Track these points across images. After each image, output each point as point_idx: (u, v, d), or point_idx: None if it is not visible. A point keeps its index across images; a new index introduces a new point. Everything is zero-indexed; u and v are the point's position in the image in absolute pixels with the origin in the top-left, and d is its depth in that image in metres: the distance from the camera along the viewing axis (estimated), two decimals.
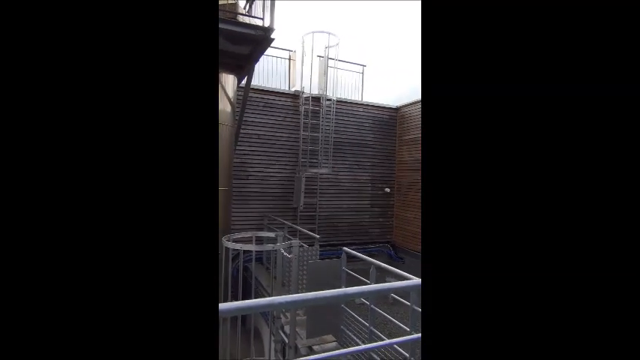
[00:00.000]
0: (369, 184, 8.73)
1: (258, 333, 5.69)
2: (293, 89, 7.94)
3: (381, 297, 4.59)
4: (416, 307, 2.74)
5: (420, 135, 8.20)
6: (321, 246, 5.06)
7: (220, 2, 4.37)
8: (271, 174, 7.63)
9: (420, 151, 8.16)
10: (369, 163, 8.69)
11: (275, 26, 4.15)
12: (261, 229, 6.89)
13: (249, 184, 7.40)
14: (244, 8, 5.11)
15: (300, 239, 4.82)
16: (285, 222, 6.66)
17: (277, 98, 7.68)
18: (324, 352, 3.15)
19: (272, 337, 4.52)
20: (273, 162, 7.65)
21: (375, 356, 3.26)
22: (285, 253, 4.55)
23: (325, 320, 3.78)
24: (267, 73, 7.97)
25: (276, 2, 4.13)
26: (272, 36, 4.20)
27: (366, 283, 3.27)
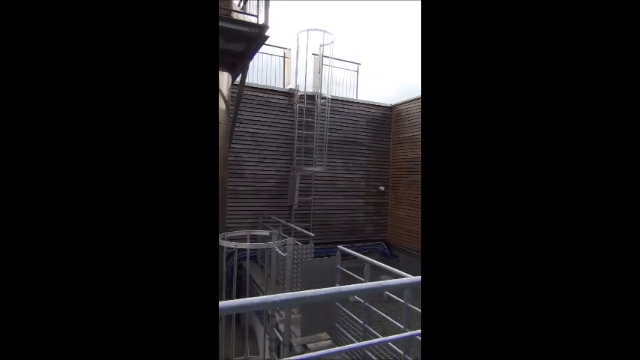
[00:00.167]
0: (364, 183, 8.75)
1: (253, 331, 5.69)
2: (288, 87, 7.92)
3: (375, 295, 4.61)
4: (410, 305, 2.76)
5: (414, 133, 8.24)
6: (315, 244, 5.06)
7: None
8: (266, 172, 7.61)
9: (415, 150, 8.20)
10: (363, 162, 8.71)
11: (269, 24, 4.13)
12: (256, 228, 6.88)
13: (244, 182, 7.38)
14: (238, 5, 5.08)
15: (294, 237, 4.82)
16: (280, 220, 6.65)
17: (272, 96, 7.65)
18: (318, 350, 3.15)
19: (266, 335, 4.52)
20: (268, 160, 7.63)
21: (369, 354, 3.27)
22: (279, 252, 4.55)
23: (320, 318, 3.79)
24: (262, 70, 7.94)
25: (270, 0, 4.12)
26: (266, 33, 4.19)
27: (361, 281, 3.28)
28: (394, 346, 2.95)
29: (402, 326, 2.79)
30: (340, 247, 3.88)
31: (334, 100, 8.15)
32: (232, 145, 6.89)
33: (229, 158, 6.51)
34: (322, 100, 7.85)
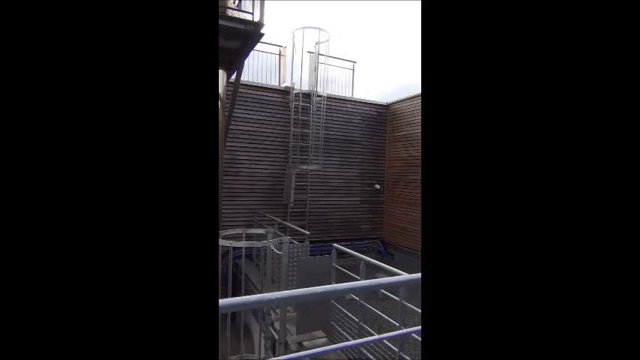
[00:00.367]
0: (359, 181, 8.77)
1: (248, 330, 5.68)
2: (283, 85, 7.90)
3: (370, 293, 4.62)
4: (405, 303, 2.77)
5: (410, 132, 8.26)
6: (311, 242, 5.06)
7: None
8: (261, 170, 7.59)
9: (410, 148, 8.22)
10: (359, 160, 8.72)
11: (265, 21, 4.11)
12: (251, 226, 6.87)
13: (239, 180, 7.36)
14: (234, 2, 5.04)
15: (290, 236, 4.82)
16: (275, 218, 6.64)
17: (267, 94, 7.63)
18: (314, 348, 3.16)
19: (262, 333, 4.52)
20: (263, 158, 7.61)
21: (364, 351, 3.28)
22: (275, 250, 4.54)
23: (315, 316, 3.80)
24: (258, 68, 7.91)
25: None
26: (262, 31, 4.17)
27: (356, 279, 3.29)
28: (389, 344, 2.96)
29: (398, 324, 2.80)
30: (336, 245, 3.88)
31: (330, 98, 8.14)
32: (227, 143, 6.86)
33: (224, 156, 6.49)
34: (318, 98, 7.84)
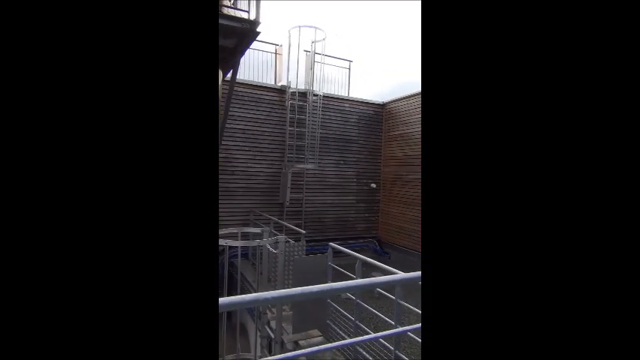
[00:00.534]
0: (355, 180, 8.78)
1: (244, 329, 5.68)
2: (279, 84, 7.88)
3: (366, 292, 4.63)
4: (401, 302, 2.78)
5: (406, 131, 8.28)
6: (307, 241, 5.07)
7: None
8: (257, 169, 7.57)
9: (406, 148, 8.24)
10: (355, 159, 8.73)
11: (261, 20, 4.10)
12: (247, 225, 6.85)
13: (235, 179, 7.33)
14: (229, 1, 5.02)
15: (286, 235, 4.82)
16: (271, 217, 6.63)
17: (263, 93, 7.61)
18: (310, 346, 3.16)
19: (258, 332, 4.52)
20: (259, 157, 7.59)
21: (360, 350, 3.29)
22: (271, 249, 4.54)
23: (311, 315, 3.80)
24: (253, 67, 7.88)
25: None
26: (258, 29, 4.15)
27: (352, 278, 3.29)
28: (385, 342, 2.97)
29: (393, 322, 2.81)
30: (332, 244, 3.88)
31: (326, 97, 8.14)
32: (223, 142, 6.84)
33: (220, 155, 6.46)
34: (314, 97, 7.83)
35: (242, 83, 7.22)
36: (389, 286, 3.09)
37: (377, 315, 3.13)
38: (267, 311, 4.36)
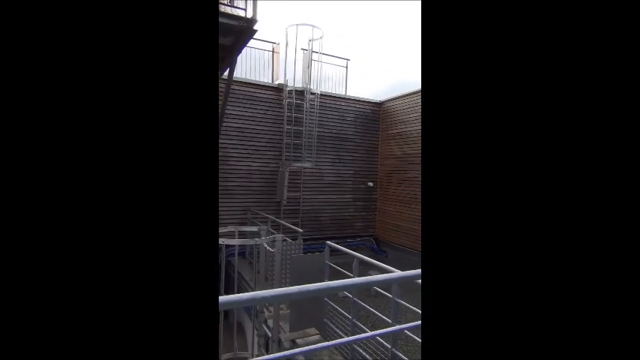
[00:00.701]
0: (352, 178, 8.78)
1: (241, 327, 5.67)
2: (276, 82, 7.86)
3: (363, 290, 4.64)
4: (398, 300, 2.78)
5: (404, 130, 8.29)
6: (304, 240, 5.06)
7: None
8: (254, 168, 7.56)
9: (404, 146, 8.25)
10: (352, 157, 8.73)
11: (258, 18, 4.08)
12: (244, 224, 6.84)
13: (232, 177, 7.32)
14: None
15: (283, 233, 4.81)
16: (269, 216, 6.63)
17: (260, 91, 7.59)
18: (307, 345, 3.16)
19: (255, 331, 4.52)
20: (256, 156, 7.58)
21: (357, 348, 3.30)
22: (268, 248, 4.53)
23: (308, 314, 3.80)
24: (251, 65, 7.86)
25: None
26: (255, 27, 4.13)
27: (349, 277, 3.30)
28: (382, 340, 2.98)
29: (390, 320, 2.82)
30: (329, 242, 3.89)
31: (323, 95, 8.13)
32: (220, 141, 6.82)
33: None
34: (311, 96, 7.82)
35: (239, 81, 7.19)
36: (386, 285, 3.10)
37: (374, 313, 3.14)
38: (265, 310, 4.36)
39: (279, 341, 3.87)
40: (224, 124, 6.60)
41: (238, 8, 4.27)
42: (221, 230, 4.90)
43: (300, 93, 7.77)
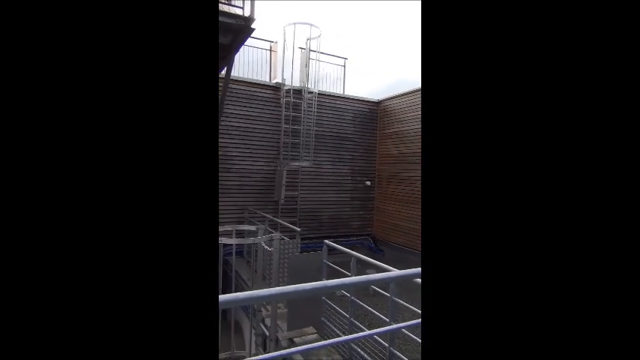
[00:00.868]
0: (350, 177, 8.79)
1: (239, 326, 5.67)
2: (274, 81, 7.85)
3: (361, 289, 4.65)
4: (395, 299, 2.79)
5: (401, 129, 8.30)
6: (302, 239, 5.07)
7: None
8: (252, 167, 7.55)
9: (401, 145, 8.26)
10: (350, 157, 8.74)
11: (255, 16, 4.07)
12: (242, 223, 6.83)
13: (230, 176, 7.31)
14: None
15: (281, 232, 4.81)
16: (266, 215, 6.62)
17: (258, 90, 7.57)
18: (305, 344, 3.16)
19: (253, 330, 4.52)
20: (254, 155, 7.57)
21: (355, 347, 3.30)
22: (266, 247, 4.53)
23: (306, 313, 3.80)
24: (248, 64, 7.84)
25: None
26: (252, 26, 4.12)
27: (347, 276, 3.30)
28: (380, 339, 2.98)
29: (388, 319, 2.82)
30: (327, 241, 3.89)
31: (321, 94, 8.12)
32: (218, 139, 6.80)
33: None
34: (309, 95, 7.81)
35: (237, 80, 7.17)
36: (384, 284, 3.11)
37: (371, 312, 3.14)
38: (262, 309, 4.36)
39: (277, 340, 3.87)
40: (221, 123, 6.58)
41: (236, 7, 4.26)
42: (219, 229, 4.88)
43: (298, 92, 7.76)
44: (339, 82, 8.91)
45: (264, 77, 7.98)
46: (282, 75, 7.67)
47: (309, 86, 7.77)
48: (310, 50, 7.64)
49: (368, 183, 8.95)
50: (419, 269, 1.64)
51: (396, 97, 8.51)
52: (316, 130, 8.00)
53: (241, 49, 5.01)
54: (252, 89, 7.50)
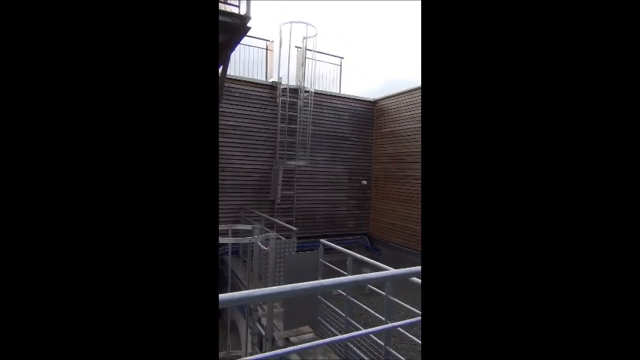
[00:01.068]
0: (346, 177, 8.79)
1: (235, 326, 5.66)
2: (270, 80, 7.83)
3: (357, 288, 4.65)
4: (391, 297, 2.80)
5: (397, 128, 8.31)
6: (298, 238, 5.06)
7: None
8: (248, 166, 7.53)
9: (397, 145, 8.28)
10: (346, 156, 8.74)
11: (251, 15, 4.06)
12: (238, 222, 6.81)
13: (226, 176, 7.28)
14: None
15: (277, 232, 4.80)
16: (262, 214, 6.61)
17: (254, 89, 7.55)
18: (301, 343, 3.16)
19: (249, 329, 4.51)
20: (250, 154, 7.55)
21: (351, 346, 3.31)
22: (262, 246, 4.52)
23: (302, 312, 3.80)
24: (244, 62, 7.82)
25: None
26: (248, 24, 4.11)
27: (343, 275, 3.30)
28: (376, 338, 2.99)
29: (384, 318, 2.83)
30: (323, 240, 3.89)
31: (317, 93, 8.11)
32: None
33: None
34: (305, 94, 7.80)
35: (232, 79, 7.15)
36: (379, 282, 3.11)
37: (367, 311, 3.15)
38: (258, 308, 4.35)
39: (273, 340, 3.87)
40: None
41: (232, 5, 4.24)
42: None
43: (294, 91, 7.75)
44: (335, 81, 8.92)
45: (260, 76, 7.95)
46: (279, 74, 7.66)
47: (306, 85, 7.76)
48: (307, 49, 7.63)
49: (364, 182, 8.96)
50: (415, 268, 1.64)
51: (392, 96, 8.52)
52: (312, 130, 7.99)
53: (237, 48, 4.99)
54: (249, 88, 7.48)
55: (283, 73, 7.61)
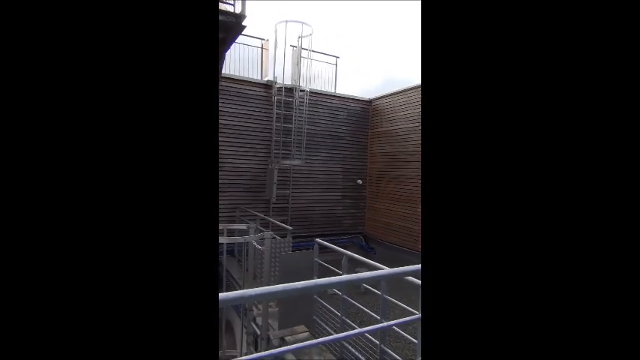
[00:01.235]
0: (342, 176, 8.79)
1: (230, 326, 5.64)
2: (265, 79, 7.81)
3: (352, 287, 4.66)
4: (386, 296, 2.80)
5: (392, 127, 8.33)
6: (293, 238, 5.06)
7: None
8: (243, 165, 7.50)
9: (393, 144, 8.30)
10: (341, 155, 8.74)
11: (246, 13, 4.04)
12: (233, 221, 6.79)
13: (221, 175, 7.24)
14: None
15: (272, 231, 4.79)
16: (258, 214, 6.59)
17: (249, 88, 7.53)
18: (296, 342, 3.16)
19: (244, 329, 4.50)
20: (245, 153, 7.53)
21: (346, 345, 3.31)
22: (257, 245, 4.51)
23: (297, 311, 3.80)
24: (239, 62, 7.78)
25: None
26: (244, 23, 4.09)
27: (338, 274, 3.30)
28: (371, 337, 3.00)
29: (379, 317, 2.84)
30: (318, 240, 3.89)
31: (313, 93, 8.11)
32: None
33: None
34: (301, 93, 7.79)
35: (227, 78, 7.12)
36: (374, 282, 3.12)
37: (363, 310, 3.15)
38: (254, 308, 4.34)
39: (268, 339, 3.86)
40: None
41: (227, 3, 4.22)
42: None
43: (290, 90, 7.74)
44: (330, 80, 8.91)
45: (255, 75, 7.93)
46: (274, 73, 7.63)
47: (301, 84, 7.75)
48: (302, 48, 7.61)
49: (359, 181, 8.97)
50: (410, 267, 1.65)
51: (388, 95, 8.54)
52: (308, 129, 7.99)
53: (232, 47, 4.97)
54: (244, 87, 7.45)
55: (279, 72, 7.60)
